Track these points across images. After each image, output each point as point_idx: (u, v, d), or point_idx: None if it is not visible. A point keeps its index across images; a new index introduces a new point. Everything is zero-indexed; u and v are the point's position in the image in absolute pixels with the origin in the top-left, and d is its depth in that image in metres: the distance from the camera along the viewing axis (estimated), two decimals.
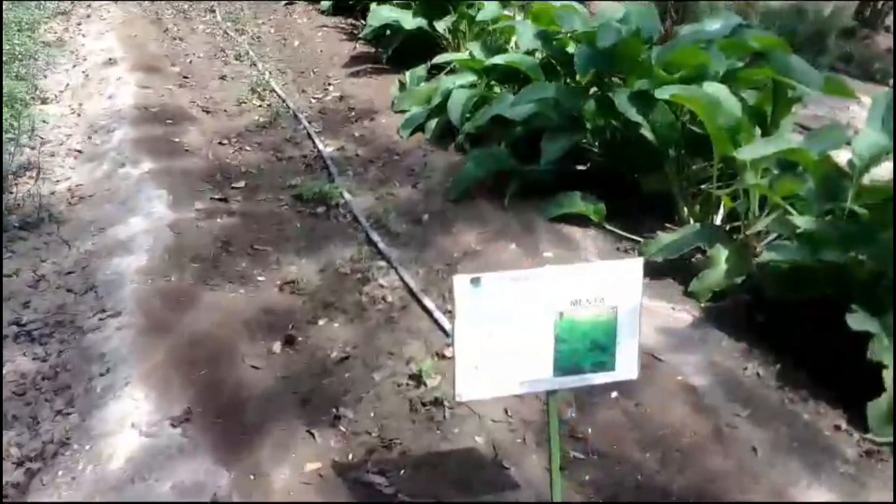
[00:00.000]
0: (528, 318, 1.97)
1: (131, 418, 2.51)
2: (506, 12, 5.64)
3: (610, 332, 2.03)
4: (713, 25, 4.16)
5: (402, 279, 3.50)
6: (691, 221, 3.80)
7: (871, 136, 3.05)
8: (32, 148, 4.75)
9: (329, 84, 6.07)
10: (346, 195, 4.25)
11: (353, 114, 5.49)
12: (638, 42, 3.84)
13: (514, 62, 4.46)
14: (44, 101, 5.54)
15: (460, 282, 1.91)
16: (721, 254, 3.39)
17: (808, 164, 3.15)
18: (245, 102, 5.69)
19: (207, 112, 5.43)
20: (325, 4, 8.00)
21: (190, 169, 4.44)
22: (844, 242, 2.96)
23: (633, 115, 3.69)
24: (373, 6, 6.19)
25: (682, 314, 3.26)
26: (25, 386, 2.78)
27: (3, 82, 5.16)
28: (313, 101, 5.80)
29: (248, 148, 4.88)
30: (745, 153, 3.06)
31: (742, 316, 3.26)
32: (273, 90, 5.91)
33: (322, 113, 5.58)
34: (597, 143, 4.09)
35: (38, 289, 3.37)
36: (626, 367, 2.08)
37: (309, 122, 5.34)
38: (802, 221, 3.04)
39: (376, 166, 4.71)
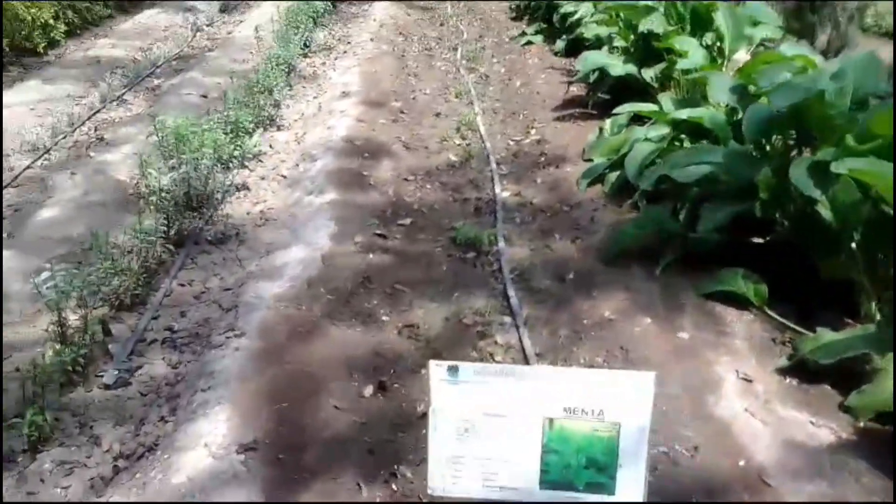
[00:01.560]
0: (512, 418, 1.79)
1: (208, 437, 2.70)
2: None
3: (610, 451, 1.78)
4: None
5: (520, 340, 3.38)
6: (878, 320, 3.18)
7: None
8: (252, 170, 5.36)
9: (532, 126, 6.06)
10: (501, 243, 4.21)
11: (543, 159, 5.43)
12: (822, 104, 3.31)
13: (698, 117, 4.09)
14: (278, 129, 6.21)
15: (436, 369, 1.80)
16: (893, 366, 2.79)
17: None
18: (447, 140, 5.89)
19: (408, 148, 5.71)
20: (559, 45, 8.01)
21: (366, 203, 4.69)
22: None
23: (808, 188, 3.19)
24: (585, 52, 6.05)
25: (824, 432, 2.74)
26: (151, 388, 3.13)
27: (250, 112, 5.87)
28: (511, 142, 5.83)
29: (429, 186, 5.04)
30: None
31: None
32: (477, 130, 6.04)
33: (515, 156, 5.59)
34: (772, 217, 3.59)
35: (199, 300, 3.79)
36: (628, 492, 1.79)
37: (498, 165, 5.38)
38: None
39: (545, 216, 4.60)
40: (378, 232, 4.36)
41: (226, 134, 5.20)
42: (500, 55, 8.40)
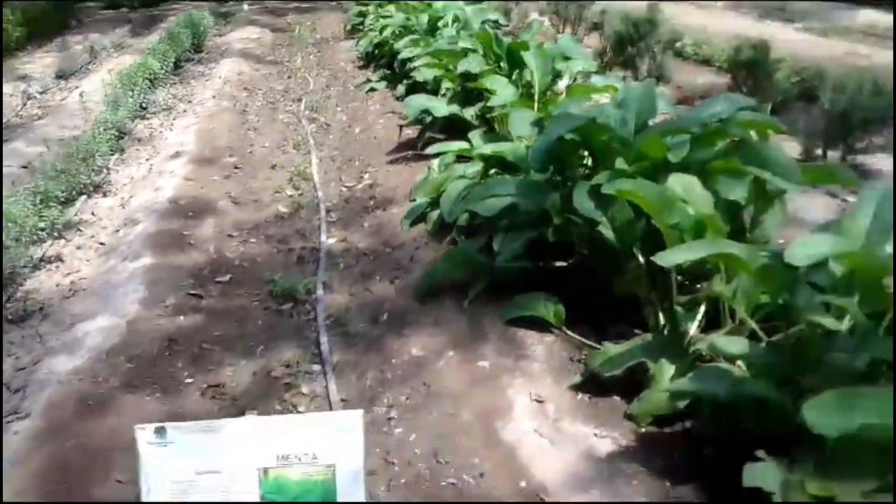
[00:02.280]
0: (227, 474, 1.73)
1: None
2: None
3: (327, 494, 1.75)
4: (714, 107, 3.72)
5: (326, 387, 3.34)
6: (667, 330, 3.32)
7: (818, 241, 2.51)
8: (69, 240, 5.12)
9: (366, 172, 6.11)
10: (319, 291, 4.17)
11: (372, 203, 5.46)
12: (598, 130, 3.48)
13: (501, 151, 4.22)
14: (104, 195, 5.99)
15: (142, 433, 1.73)
16: (666, 371, 2.91)
17: (748, 272, 2.65)
18: (279, 192, 5.84)
19: (237, 203, 5.62)
20: (400, 90, 8.14)
21: (183, 263, 4.56)
22: (779, 373, 2.44)
23: (589, 211, 3.33)
24: (411, 96, 6.19)
25: (605, 442, 2.81)
26: None
27: (65, 181, 5.63)
28: (344, 189, 5.84)
29: (253, 240, 4.96)
30: (664, 258, 2.62)
31: (684, 448, 2.76)
32: (310, 179, 6.02)
33: (347, 202, 5.60)
34: (568, 240, 3.72)
35: None
36: None
37: (328, 212, 5.36)
38: (732, 345, 2.54)
39: (368, 259, 4.61)
40: (192, 292, 4.23)
41: (34, 205, 4.95)
42: (344, 103, 8.47)
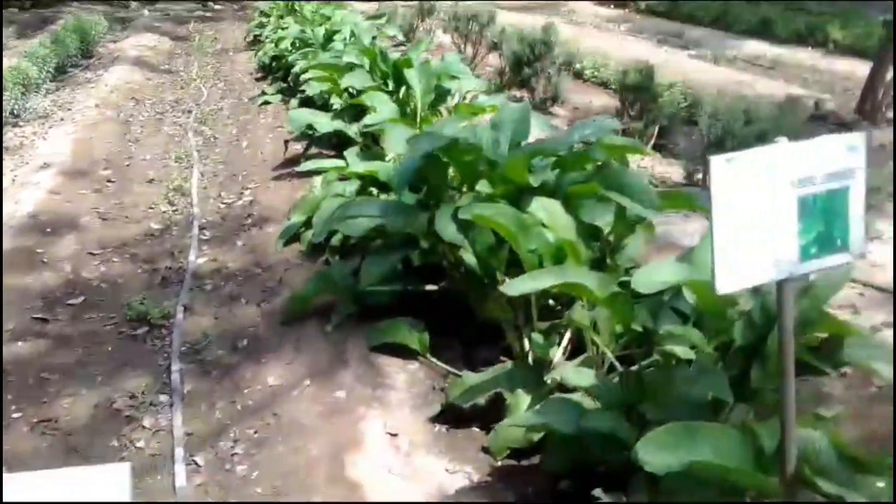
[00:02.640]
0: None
1: None
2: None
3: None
4: (584, 130, 3.70)
5: (171, 421, 3.11)
6: (531, 358, 3.25)
7: (664, 269, 2.47)
8: None
9: (248, 188, 5.87)
10: (179, 315, 3.92)
11: (250, 220, 5.23)
12: (461, 152, 3.40)
13: (373, 170, 4.09)
14: None
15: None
16: (522, 402, 2.83)
17: (596, 301, 2.59)
18: (153, 208, 5.53)
19: (104, 219, 5.28)
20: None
21: (32, 285, 4.23)
22: (625, 405, 2.38)
23: (450, 235, 3.23)
24: (294, 111, 6.00)
25: (457, 477, 2.70)
26: None
27: None
28: (222, 206, 5.58)
29: (116, 259, 4.65)
30: (511, 287, 2.53)
31: (539, 482, 2.67)
32: (188, 195, 5.74)
33: (223, 220, 5.34)
34: (436, 263, 3.62)
35: None
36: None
37: (202, 230, 5.10)
38: (581, 376, 2.47)
39: (237, 281, 4.38)
40: (37, 316, 3.91)
41: None
42: (235, 116, 8.17)
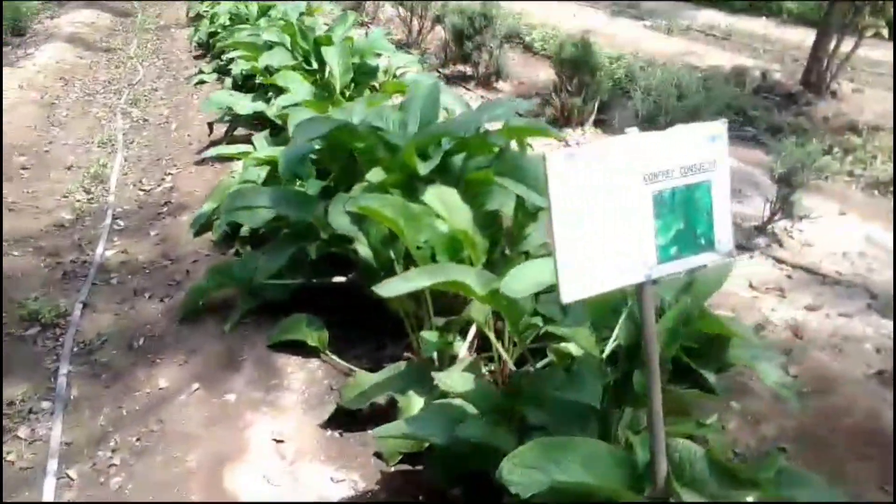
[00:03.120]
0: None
1: None
2: None
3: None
4: (494, 110, 3.53)
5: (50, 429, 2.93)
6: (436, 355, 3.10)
7: (536, 269, 2.32)
8: None
9: (169, 173, 5.64)
10: (76, 312, 3.72)
11: (166, 209, 5.02)
12: (353, 136, 3.22)
13: (275, 156, 3.89)
14: None
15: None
16: (414, 405, 2.69)
17: (479, 299, 2.45)
18: (67, 196, 5.30)
19: (12, 210, 5.02)
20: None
21: None
22: (503, 410, 2.25)
23: (343, 227, 3.07)
24: (213, 93, 5.75)
25: (342, 487, 2.57)
26: None
27: None
28: (141, 193, 5.36)
29: (17, 253, 4.42)
30: (383, 289, 2.37)
31: (430, 489, 2.54)
32: (107, 181, 5.50)
33: (140, 208, 5.12)
34: (343, 256, 3.45)
35: None
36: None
37: (115, 220, 4.88)
38: (458, 381, 2.33)
39: (144, 274, 4.18)
40: None
41: None
42: (169, 97, 7.89)
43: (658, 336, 1.97)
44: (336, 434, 2.84)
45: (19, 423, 2.98)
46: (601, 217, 1.63)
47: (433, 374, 2.39)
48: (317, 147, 3.37)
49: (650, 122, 5.03)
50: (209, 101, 5.49)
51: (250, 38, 5.82)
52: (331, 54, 4.91)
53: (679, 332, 2.03)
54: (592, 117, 6.23)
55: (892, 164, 5.33)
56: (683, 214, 1.71)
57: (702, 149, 1.70)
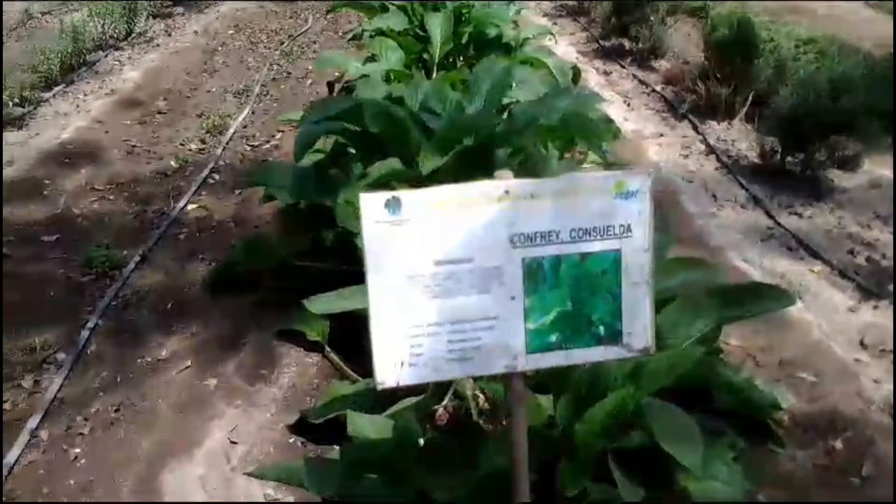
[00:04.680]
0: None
1: None
2: None
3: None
4: (556, 102, 3.07)
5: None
6: None
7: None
8: None
9: (280, 130, 5.63)
10: (130, 266, 3.79)
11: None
12: (377, 120, 2.89)
13: None
14: (19, 128, 5.74)
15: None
16: (361, 428, 2.39)
17: None
18: (183, 145, 5.46)
19: (130, 154, 5.27)
20: None
21: (19, 217, 4.27)
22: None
23: (347, 221, 2.80)
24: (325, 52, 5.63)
25: None
26: None
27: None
28: (248, 149, 5.40)
29: (112, 198, 4.61)
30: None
31: None
32: (224, 133, 5.62)
33: (241, 163, 5.16)
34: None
35: None
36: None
37: (213, 173, 4.95)
38: (361, 424, 2.00)
39: (209, 234, 4.19)
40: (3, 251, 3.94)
41: None
42: (321, 51, 7.94)
43: (582, 425, 1.52)
44: (298, 443, 2.63)
45: (27, 373, 3.05)
46: (444, 284, 1.22)
47: (349, 415, 2.08)
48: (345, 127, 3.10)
49: (792, 125, 4.21)
50: (321, 60, 5.38)
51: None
52: (432, 22, 4.58)
53: (602, 431, 1.55)
54: (744, 110, 5.40)
55: None
56: (571, 293, 1.25)
57: (609, 207, 1.23)
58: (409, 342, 1.24)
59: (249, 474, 2.08)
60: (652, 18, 6.73)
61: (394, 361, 1.25)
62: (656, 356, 1.78)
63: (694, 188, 4.55)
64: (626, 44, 7.26)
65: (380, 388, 1.25)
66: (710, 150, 5.01)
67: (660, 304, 2.16)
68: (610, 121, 4.43)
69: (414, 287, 1.22)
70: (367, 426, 1.98)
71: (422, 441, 2.12)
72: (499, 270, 1.23)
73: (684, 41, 7.38)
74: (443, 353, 1.25)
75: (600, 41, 7.68)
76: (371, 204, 1.18)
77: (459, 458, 1.83)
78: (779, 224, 4.05)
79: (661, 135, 5.38)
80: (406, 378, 1.26)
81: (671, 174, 4.72)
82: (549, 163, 2.59)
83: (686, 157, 5.00)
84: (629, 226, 1.24)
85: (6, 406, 2.88)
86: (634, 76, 6.65)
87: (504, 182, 1.21)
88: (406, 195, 1.19)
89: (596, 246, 1.24)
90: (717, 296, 2.07)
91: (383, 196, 1.19)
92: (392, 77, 4.27)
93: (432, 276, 1.22)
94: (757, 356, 3.02)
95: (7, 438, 2.69)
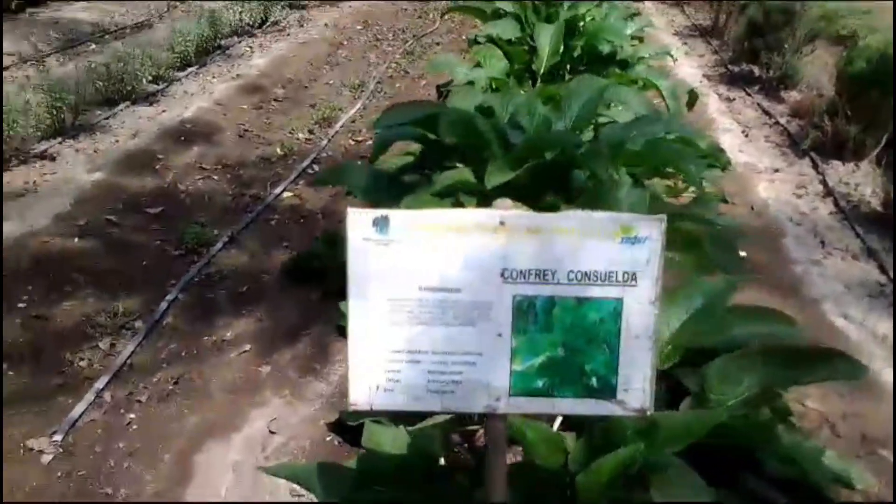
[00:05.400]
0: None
1: None
2: None
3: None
4: (645, 127, 2.94)
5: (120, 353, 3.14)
6: None
7: None
8: (78, 143, 5.30)
9: None
10: (219, 245, 3.95)
11: (362, 162, 5.09)
12: (454, 130, 2.85)
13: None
14: (151, 104, 6.12)
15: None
16: (379, 437, 2.36)
17: None
18: (292, 133, 5.65)
19: (241, 137, 5.50)
20: None
21: (130, 187, 4.55)
22: None
23: None
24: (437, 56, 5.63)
25: None
26: None
27: (112, 85, 5.86)
28: (352, 143, 5.52)
29: (216, 178, 4.82)
30: None
31: None
32: (333, 126, 5.76)
33: (343, 156, 5.29)
34: None
35: None
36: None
37: (314, 164, 5.09)
38: (378, 436, 1.96)
39: (297, 222, 4.30)
40: (110, 217, 4.19)
41: (50, 106, 5.15)
42: (444, 52, 8.01)
43: (585, 476, 1.43)
44: (336, 441, 2.64)
45: (107, 336, 3.22)
46: (428, 312, 1.17)
47: (367, 425, 2.05)
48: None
49: None
50: (432, 63, 5.41)
51: (482, 3, 5.58)
52: (542, 33, 4.49)
53: (607, 485, 1.45)
54: (874, 153, 4.98)
55: None
56: (564, 338, 1.17)
57: (615, 252, 1.14)
58: (386, 366, 1.20)
59: (265, 469, 2.10)
60: (787, 45, 6.33)
61: (369, 384, 1.21)
62: (680, 414, 1.66)
63: (801, 231, 4.23)
64: (756, 70, 6.89)
65: (352, 409, 1.22)
66: (828, 191, 4.65)
67: (711, 355, 2.02)
68: (721, 150, 4.20)
69: (396, 311, 1.18)
70: (384, 438, 1.95)
71: (442, 460, 2.07)
72: (487, 305, 1.16)
73: (821, 72, 6.90)
74: (421, 382, 1.20)
75: (729, 65, 7.32)
76: (358, 220, 1.14)
77: (467, 485, 1.77)
78: (891, 279, 3.71)
79: (777, 170, 5.05)
80: (380, 403, 1.22)
81: (779, 213, 4.42)
82: (613, 190, 2.46)
83: (800, 196, 4.67)
84: (634, 274, 1.14)
85: (82, 364, 3.06)
86: (759, 105, 6.29)
87: (500, 212, 1.14)
88: (396, 214, 1.15)
89: (595, 292, 1.15)
90: (774, 354, 1.90)
91: (372, 213, 1.15)
92: (493, 86, 4.23)
93: (416, 302, 1.17)
94: (837, 424, 2.76)
95: (77, 394, 2.86)
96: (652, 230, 1.12)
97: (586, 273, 1.14)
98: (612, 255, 1.13)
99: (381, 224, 1.15)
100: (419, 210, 1.15)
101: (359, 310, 1.18)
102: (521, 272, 1.15)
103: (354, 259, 1.16)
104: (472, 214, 1.14)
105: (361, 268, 1.16)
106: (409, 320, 1.18)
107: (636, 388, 1.18)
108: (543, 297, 1.15)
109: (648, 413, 1.20)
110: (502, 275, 1.15)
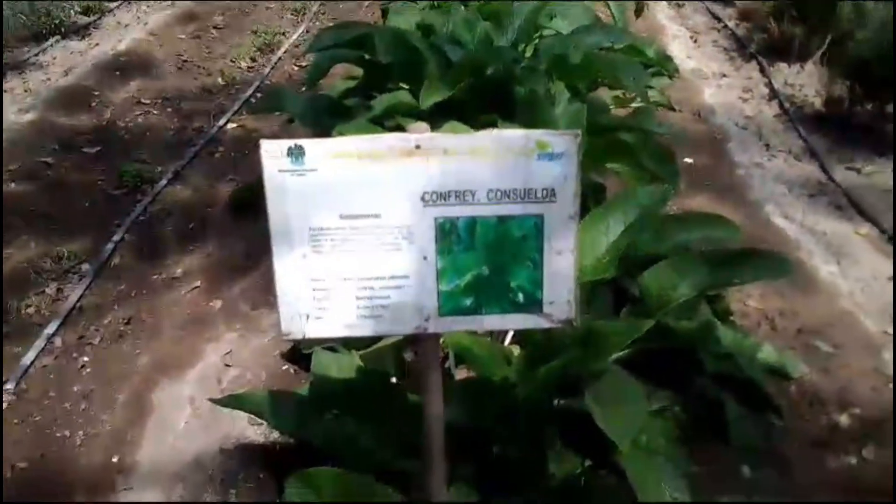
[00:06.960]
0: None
1: None
2: None
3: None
4: (591, 36, 2.90)
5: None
6: None
7: None
8: (6, 81, 5.08)
9: None
10: (163, 182, 3.86)
11: (305, 89, 4.97)
12: (382, 49, 2.78)
13: None
14: (82, 38, 5.85)
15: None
16: (325, 364, 2.40)
17: None
18: (234, 62, 5.48)
19: (181, 68, 5.33)
20: None
21: (65, 125, 4.41)
22: None
23: None
24: None
25: (253, 431, 2.40)
26: None
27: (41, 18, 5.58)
28: (296, 69, 5.38)
29: (156, 112, 4.68)
30: None
31: None
32: (275, 52, 5.59)
33: (289, 83, 5.15)
34: None
35: None
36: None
37: (258, 92, 4.96)
38: (325, 360, 1.99)
39: (244, 154, 4.21)
40: (44, 159, 4.07)
41: None
42: None
43: (524, 387, 1.47)
44: (292, 370, 2.66)
45: (53, 281, 3.17)
46: (351, 240, 1.17)
47: (315, 352, 2.07)
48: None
49: (860, 70, 3.87)
50: None
51: None
52: None
53: (545, 394, 1.49)
54: (819, 53, 5.00)
55: None
56: (488, 257, 1.18)
57: (533, 168, 1.14)
58: (313, 295, 1.21)
59: (216, 401, 2.12)
60: None
61: (298, 313, 1.22)
62: (616, 321, 1.70)
63: (746, 135, 4.28)
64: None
65: (285, 339, 1.23)
66: (774, 94, 4.68)
67: (651, 262, 2.06)
68: (668, 58, 4.17)
69: (318, 240, 1.17)
70: (332, 364, 1.98)
71: (394, 379, 2.11)
72: (409, 229, 1.16)
73: None
74: (351, 309, 1.21)
75: None
76: (272, 152, 1.12)
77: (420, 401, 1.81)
78: (831, 179, 3.79)
79: (724, 75, 5.06)
80: (313, 331, 1.23)
81: (724, 118, 4.45)
82: (549, 105, 2.44)
83: (745, 100, 4.70)
84: (553, 190, 1.14)
85: (30, 310, 3.02)
86: (708, 10, 6.24)
87: (415, 136, 1.13)
88: (310, 144, 1.13)
89: (515, 209, 1.15)
90: (708, 259, 1.95)
91: (285, 144, 1.13)
92: (436, 4, 4.10)
93: (338, 231, 1.17)
94: (775, 320, 2.87)
95: (26, 341, 2.83)
96: (568, 145, 1.12)
97: (505, 191, 1.15)
98: (530, 172, 1.14)
99: (296, 154, 1.13)
100: (334, 138, 1.13)
101: (282, 241, 1.17)
102: (440, 194, 1.15)
103: (272, 190, 1.14)
104: (386, 140, 1.13)
105: (280, 199, 1.15)
106: (333, 249, 1.18)
107: (561, 301, 1.21)
108: (465, 218, 1.16)
109: (575, 323, 1.23)
110: (422, 198, 1.15)
